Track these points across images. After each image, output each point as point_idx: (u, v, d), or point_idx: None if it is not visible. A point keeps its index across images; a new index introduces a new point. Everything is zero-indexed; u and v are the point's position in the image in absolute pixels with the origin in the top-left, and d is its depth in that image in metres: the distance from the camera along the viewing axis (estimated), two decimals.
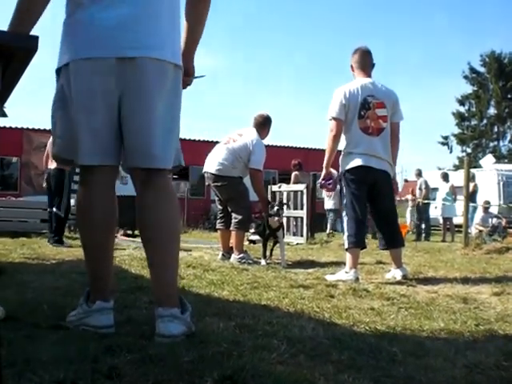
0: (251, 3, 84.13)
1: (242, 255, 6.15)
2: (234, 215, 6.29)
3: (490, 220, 13.44)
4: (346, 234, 4.91)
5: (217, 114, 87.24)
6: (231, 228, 6.34)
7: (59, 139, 2.41)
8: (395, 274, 4.92)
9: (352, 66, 5.22)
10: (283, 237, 6.57)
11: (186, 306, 2.34)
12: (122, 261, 5.51)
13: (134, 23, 2.27)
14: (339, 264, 5.41)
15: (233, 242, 6.36)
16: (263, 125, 6.59)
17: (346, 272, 4.76)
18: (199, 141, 21.56)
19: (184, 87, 2.62)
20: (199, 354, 1.96)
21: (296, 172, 12.47)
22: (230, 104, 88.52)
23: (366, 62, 5.18)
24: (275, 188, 11.05)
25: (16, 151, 18.35)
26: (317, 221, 11.74)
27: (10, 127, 18.70)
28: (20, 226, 9.69)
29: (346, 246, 4.88)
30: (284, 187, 10.96)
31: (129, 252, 6.64)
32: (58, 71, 2.37)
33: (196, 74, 2.70)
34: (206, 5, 2.56)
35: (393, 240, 5.12)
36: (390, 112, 5.05)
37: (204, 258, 6.51)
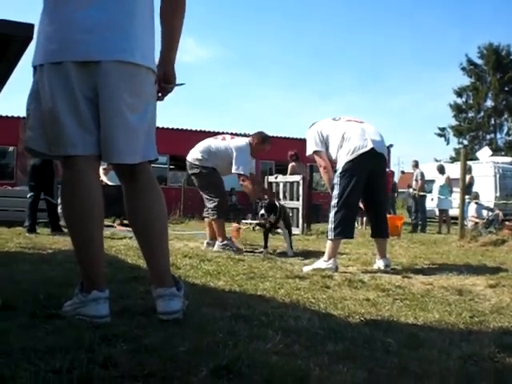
0: None
1: (225, 242, 6.32)
2: (206, 204, 6.52)
3: (483, 211, 13.47)
4: (332, 224, 4.89)
5: (213, 104, 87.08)
6: (208, 218, 6.57)
7: (30, 131, 2.47)
8: (379, 264, 5.04)
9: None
10: (290, 227, 6.64)
11: (179, 283, 2.55)
12: (119, 251, 5.51)
13: (102, 27, 2.34)
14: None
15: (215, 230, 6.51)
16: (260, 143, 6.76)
17: (325, 261, 4.80)
18: (195, 131, 21.52)
19: (164, 94, 2.70)
20: (195, 344, 1.97)
21: (293, 163, 12.46)
22: (226, 95, 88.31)
23: None
24: (272, 179, 11.05)
25: (12, 140, 18.20)
26: (313, 212, 11.73)
27: (7, 116, 18.63)
28: (16, 216, 9.65)
29: (332, 236, 4.88)
30: (280, 178, 10.96)
31: (125, 242, 6.63)
32: (34, 66, 2.43)
33: (176, 82, 2.70)
34: (180, 12, 2.60)
35: (380, 230, 5.26)
36: None
37: (200, 248, 6.51)
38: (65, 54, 2.31)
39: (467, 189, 11.35)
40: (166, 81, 2.64)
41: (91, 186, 2.42)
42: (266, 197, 6.63)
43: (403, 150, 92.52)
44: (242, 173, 6.36)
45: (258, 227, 6.85)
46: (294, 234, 9.56)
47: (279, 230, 6.68)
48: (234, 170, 6.40)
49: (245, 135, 6.96)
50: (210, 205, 6.43)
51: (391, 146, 26.52)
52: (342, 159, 4.97)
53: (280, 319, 2.50)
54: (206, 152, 6.51)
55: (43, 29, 2.40)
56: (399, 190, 19.06)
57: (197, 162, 6.52)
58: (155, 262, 2.55)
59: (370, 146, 4.91)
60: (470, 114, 44.43)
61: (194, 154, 6.59)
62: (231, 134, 6.61)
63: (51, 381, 1.56)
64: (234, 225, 8.63)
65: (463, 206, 9.64)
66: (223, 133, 15.63)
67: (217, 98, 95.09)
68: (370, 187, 5.07)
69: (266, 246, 6.26)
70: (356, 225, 12.12)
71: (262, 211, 6.13)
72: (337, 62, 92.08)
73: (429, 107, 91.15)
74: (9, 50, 3.31)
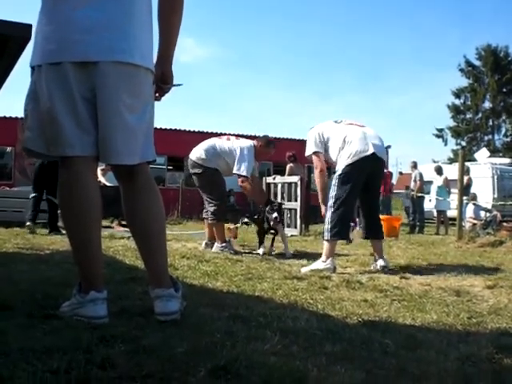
0: None
1: (224, 244, 6.31)
2: (206, 206, 6.49)
3: (481, 212, 13.47)
4: (328, 225, 4.91)
5: (212, 104, 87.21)
6: (208, 221, 6.54)
7: (29, 131, 2.45)
8: (377, 264, 5.05)
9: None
10: (283, 228, 6.65)
11: (177, 284, 2.54)
12: (117, 251, 5.50)
13: (101, 27, 2.33)
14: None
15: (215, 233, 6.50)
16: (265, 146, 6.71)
17: (323, 261, 4.81)
18: (194, 132, 21.52)
19: (161, 95, 2.68)
20: (193, 345, 1.97)
21: (291, 164, 12.46)
22: (225, 95, 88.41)
23: None
24: (270, 180, 11.04)
25: (10, 141, 18.21)
26: (311, 213, 11.72)
27: (5, 116, 18.58)
28: (14, 216, 9.65)
29: (328, 237, 4.90)
30: (278, 179, 10.95)
31: (123, 242, 6.62)
32: (32, 66, 2.43)
33: (174, 82, 2.69)
34: (178, 8, 2.58)
35: (374, 232, 5.29)
36: None
37: (198, 248, 6.51)
38: (63, 55, 2.31)
39: (465, 190, 11.36)
40: (163, 81, 2.62)
41: (89, 186, 2.42)
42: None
43: (401, 151, 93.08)
44: (242, 174, 6.29)
45: (247, 224, 6.82)
46: (292, 235, 9.60)
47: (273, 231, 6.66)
48: (234, 170, 6.32)
49: (245, 136, 6.96)
50: (209, 208, 6.38)
51: (389, 147, 26.51)
52: (343, 161, 4.99)
53: (278, 320, 2.50)
54: (209, 151, 6.41)
55: (41, 29, 2.39)
56: (394, 191, 19.05)
57: (200, 162, 6.41)
58: (153, 262, 2.55)
59: (371, 150, 4.93)
60: (468, 115, 44.42)
61: (197, 153, 6.47)
62: (235, 135, 6.68)
63: (49, 381, 1.55)
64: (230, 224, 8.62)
65: (461, 207, 9.64)
66: (222, 133, 15.63)
67: (216, 98, 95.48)
68: (366, 189, 5.11)
69: (262, 242, 6.32)
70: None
71: (275, 214, 6.15)
72: (337, 61, 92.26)
73: (428, 107, 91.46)
74: (6, 50, 3.31)
